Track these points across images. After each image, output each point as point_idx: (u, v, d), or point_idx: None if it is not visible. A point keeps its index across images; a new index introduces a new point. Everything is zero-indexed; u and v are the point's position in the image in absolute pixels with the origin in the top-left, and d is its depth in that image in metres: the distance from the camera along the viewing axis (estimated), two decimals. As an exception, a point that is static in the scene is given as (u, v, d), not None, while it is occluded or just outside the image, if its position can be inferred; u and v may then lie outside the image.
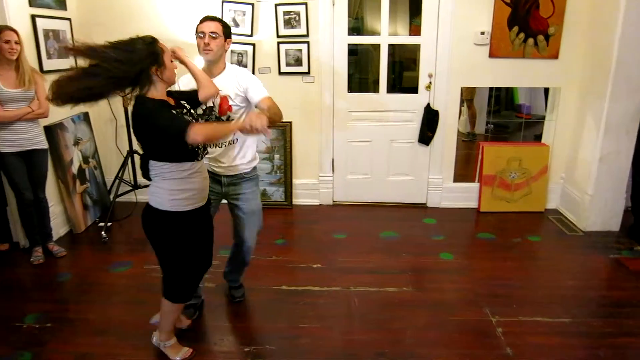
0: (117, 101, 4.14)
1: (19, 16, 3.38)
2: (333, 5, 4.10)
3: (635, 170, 3.84)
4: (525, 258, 3.61)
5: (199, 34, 2.45)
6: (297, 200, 4.55)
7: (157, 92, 2.07)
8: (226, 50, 2.53)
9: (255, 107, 2.50)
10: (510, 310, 2.90)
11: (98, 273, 3.33)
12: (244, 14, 4.11)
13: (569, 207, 4.31)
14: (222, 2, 4.09)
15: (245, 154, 2.60)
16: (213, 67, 2.50)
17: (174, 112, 2.10)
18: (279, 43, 4.17)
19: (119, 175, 4.17)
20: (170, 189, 2.12)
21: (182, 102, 2.24)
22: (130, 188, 4.30)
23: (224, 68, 2.53)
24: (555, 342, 2.63)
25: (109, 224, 3.95)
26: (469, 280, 3.28)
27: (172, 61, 2.14)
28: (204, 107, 2.48)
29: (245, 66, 4.20)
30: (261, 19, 4.16)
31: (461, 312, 2.90)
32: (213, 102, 2.47)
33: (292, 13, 4.10)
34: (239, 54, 4.20)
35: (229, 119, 2.49)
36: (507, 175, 4.39)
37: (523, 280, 3.28)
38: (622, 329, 2.75)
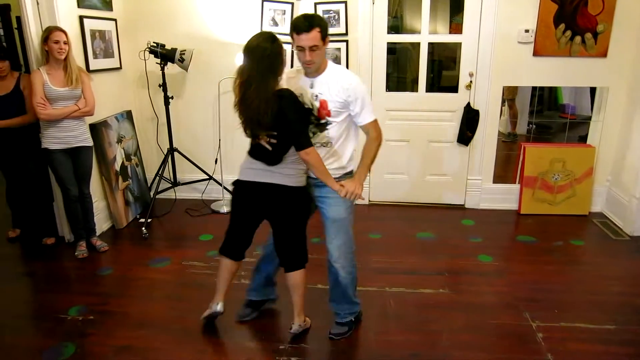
0: (159, 100, 4.25)
1: (68, 17, 3.51)
2: (373, 3, 4.07)
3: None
4: (568, 262, 3.49)
5: (298, 47, 2.24)
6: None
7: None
8: (327, 47, 2.32)
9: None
10: (551, 316, 2.81)
11: (138, 268, 3.42)
12: (284, 13, 4.14)
13: (615, 210, 4.15)
14: (262, 1, 4.13)
15: (333, 161, 2.42)
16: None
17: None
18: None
19: (160, 173, 4.27)
20: (303, 169, 2.37)
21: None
22: (170, 185, 4.40)
23: (325, 67, 2.34)
24: (599, 350, 2.53)
25: (149, 220, 4.06)
26: (508, 283, 3.20)
27: None
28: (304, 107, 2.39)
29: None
30: (300, 18, 4.17)
31: (499, 315, 2.83)
32: (312, 104, 2.34)
33: (331, 11, 4.10)
34: (277, 53, 4.23)
35: (327, 124, 2.36)
36: (550, 176, 4.25)
37: (565, 284, 3.17)
38: (671, 339, 2.62)
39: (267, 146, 2.28)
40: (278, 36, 2.26)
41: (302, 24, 2.19)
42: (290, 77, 2.42)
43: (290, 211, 2.42)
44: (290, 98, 2.23)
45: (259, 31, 2.26)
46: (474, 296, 3.03)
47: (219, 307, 2.65)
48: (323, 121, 2.36)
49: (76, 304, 2.95)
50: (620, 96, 4.06)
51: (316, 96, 2.32)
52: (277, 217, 2.45)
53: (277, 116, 2.18)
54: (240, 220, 2.52)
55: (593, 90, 4.35)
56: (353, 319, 2.69)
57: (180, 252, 3.61)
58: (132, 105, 4.43)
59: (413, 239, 3.84)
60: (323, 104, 2.32)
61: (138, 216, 4.27)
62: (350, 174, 2.48)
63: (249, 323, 2.77)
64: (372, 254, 3.57)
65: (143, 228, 3.92)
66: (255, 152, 2.37)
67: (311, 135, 2.36)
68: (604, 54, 3.96)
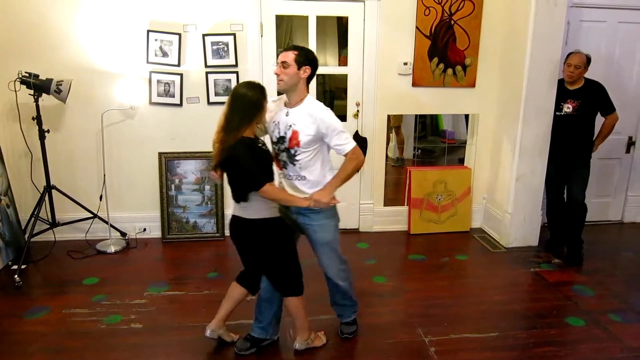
0: (33, 134, 3.90)
1: None
2: (261, 36, 4.14)
3: (548, 188, 4.13)
4: (455, 277, 3.74)
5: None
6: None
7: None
8: (303, 78, 2.47)
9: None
10: (442, 329, 2.97)
11: (11, 320, 3.05)
12: (171, 44, 4.05)
13: (491, 225, 4.54)
14: (148, 31, 4.02)
15: (307, 188, 2.53)
16: (289, 96, 2.50)
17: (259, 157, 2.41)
18: (207, 73, 4.14)
19: (35, 213, 3.89)
20: (265, 201, 2.43)
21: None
22: (48, 226, 4.02)
23: (302, 100, 2.49)
24: (486, 357, 2.73)
25: (23, 267, 3.65)
26: (402, 301, 3.34)
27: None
28: (277, 136, 2.51)
29: (173, 96, 4.13)
30: (189, 48, 4.12)
31: (396, 334, 2.93)
32: (285, 133, 2.47)
33: (220, 43, 4.10)
34: (165, 83, 4.12)
35: (296, 154, 2.48)
36: (434, 197, 4.56)
37: (453, 298, 3.38)
38: (545, 338, 2.90)
39: (216, 179, 2.52)
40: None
41: (290, 45, 2.53)
42: (274, 101, 2.60)
43: (252, 242, 2.51)
44: (242, 148, 2.33)
45: (247, 80, 2.53)
46: (371, 317, 3.12)
47: (207, 333, 2.72)
48: (292, 151, 2.48)
49: None
50: (489, 122, 4.51)
51: (289, 126, 2.46)
52: (242, 248, 2.58)
53: (226, 161, 2.36)
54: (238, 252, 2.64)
55: (467, 117, 4.78)
56: (356, 316, 2.94)
57: (61, 300, 3.29)
58: (0, 140, 4.02)
59: (310, 265, 3.84)
60: (294, 134, 2.45)
61: (10, 262, 3.82)
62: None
63: None
64: (271, 283, 3.53)
65: (16, 276, 3.51)
66: None
67: (282, 164, 2.56)
68: (472, 84, 4.39)
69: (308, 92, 2.54)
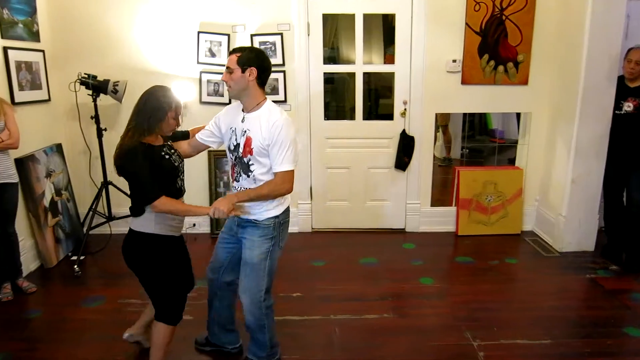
0: (91, 133, 4.09)
1: (-10, 48, 3.35)
2: (308, 35, 4.17)
3: (605, 191, 3.94)
4: (504, 280, 3.63)
5: None
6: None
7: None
8: (252, 81, 2.22)
9: None
10: (491, 334, 2.89)
11: (70, 309, 3.21)
12: (220, 45, 4.14)
13: (544, 228, 4.38)
14: (198, 32, 4.13)
15: (256, 205, 2.32)
16: (243, 102, 2.30)
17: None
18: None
19: (93, 207, 4.08)
20: (159, 215, 2.20)
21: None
22: (105, 220, 4.21)
23: (260, 104, 2.28)
24: (537, 365, 2.63)
25: (81, 258, 3.85)
26: (449, 304, 3.28)
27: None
28: (234, 143, 2.32)
29: (222, 95, 4.22)
30: (237, 49, 4.20)
31: (442, 337, 2.88)
32: (240, 140, 2.28)
33: (267, 43, 4.16)
34: (215, 83, 4.22)
35: (249, 163, 2.28)
36: (484, 198, 4.44)
37: (502, 302, 3.28)
38: (600, 348, 2.76)
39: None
40: (172, 87, 2.29)
41: (233, 48, 2.33)
42: (231, 107, 2.43)
43: (132, 256, 2.27)
44: (135, 155, 2.09)
45: (159, 84, 2.26)
46: (417, 319, 3.08)
47: (125, 334, 2.62)
48: (246, 160, 2.28)
49: (0, 351, 2.72)
50: (543, 120, 4.34)
51: (244, 131, 2.27)
52: (125, 259, 2.32)
53: (119, 168, 2.15)
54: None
55: (519, 116, 4.63)
56: None
57: (116, 290, 3.43)
58: (62, 138, 4.24)
59: (356, 265, 3.87)
60: (248, 141, 2.26)
61: (70, 254, 4.04)
62: (277, 218, 2.35)
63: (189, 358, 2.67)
64: (316, 281, 3.56)
65: (75, 266, 3.71)
66: None
67: (236, 175, 2.35)
68: (525, 82, 4.25)
69: (264, 95, 2.31)
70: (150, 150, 2.15)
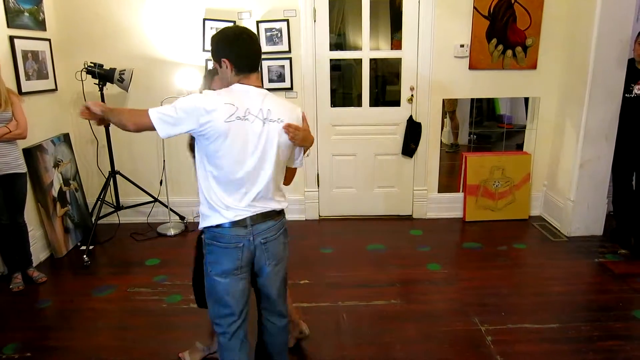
0: (98, 122, 4.10)
1: (-4, 38, 3.35)
2: (314, 21, 4.13)
3: (615, 175, 3.90)
4: (512, 266, 3.63)
5: None
6: (283, 216, 4.52)
7: None
8: (230, 70, 1.96)
9: None
10: (499, 319, 2.89)
11: (80, 298, 3.25)
12: (225, 32, 4.11)
13: (552, 213, 4.36)
14: (204, 19, 4.10)
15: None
16: None
17: None
18: (262, 59, 4.18)
19: (101, 197, 4.11)
20: None
21: None
22: (113, 210, 4.24)
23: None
24: (545, 349, 2.63)
25: (91, 247, 3.88)
26: (457, 290, 3.28)
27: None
28: None
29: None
30: (242, 36, 4.17)
31: (450, 322, 2.88)
32: None
33: (273, 30, 4.13)
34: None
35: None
36: (491, 184, 4.42)
37: (510, 287, 3.28)
38: (609, 332, 2.76)
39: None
40: None
41: None
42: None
43: None
44: None
45: None
46: (425, 305, 3.08)
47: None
48: None
49: (12, 341, 2.76)
50: (551, 105, 4.30)
51: None
52: None
53: None
54: None
55: (527, 100, 4.59)
56: None
57: (126, 279, 3.47)
58: (69, 127, 4.25)
59: (364, 252, 3.87)
60: None
61: (79, 243, 4.07)
62: (203, 232, 1.99)
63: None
64: (324, 268, 3.57)
65: (84, 255, 3.74)
66: None
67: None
68: (533, 66, 4.20)
69: (238, 81, 1.96)
70: None
